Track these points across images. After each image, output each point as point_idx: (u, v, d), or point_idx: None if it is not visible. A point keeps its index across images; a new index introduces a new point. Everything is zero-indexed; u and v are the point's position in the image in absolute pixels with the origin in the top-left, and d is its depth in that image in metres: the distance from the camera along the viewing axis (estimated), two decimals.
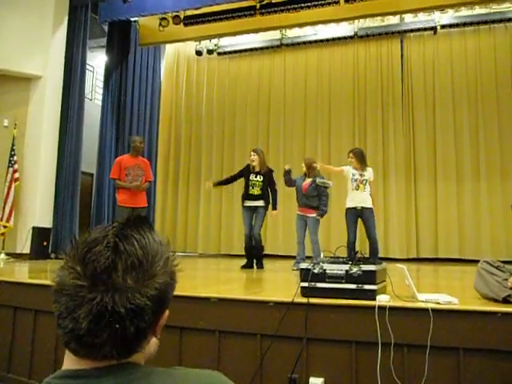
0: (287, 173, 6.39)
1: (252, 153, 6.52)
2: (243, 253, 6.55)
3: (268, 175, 6.40)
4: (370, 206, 5.96)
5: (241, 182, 6.65)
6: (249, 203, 6.35)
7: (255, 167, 6.41)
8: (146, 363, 0.84)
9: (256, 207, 6.30)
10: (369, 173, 6.07)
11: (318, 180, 6.16)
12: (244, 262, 6.38)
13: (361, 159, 6.06)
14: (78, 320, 0.73)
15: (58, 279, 0.77)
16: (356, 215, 5.97)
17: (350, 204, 6.01)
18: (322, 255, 5.97)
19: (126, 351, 0.77)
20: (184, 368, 0.85)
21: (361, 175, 6.00)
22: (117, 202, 6.36)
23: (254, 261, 6.34)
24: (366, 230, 6.01)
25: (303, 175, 6.43)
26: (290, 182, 6.43)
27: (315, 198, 6.21)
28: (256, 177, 6.37)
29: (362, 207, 5.93)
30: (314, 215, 6.19)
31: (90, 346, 0.74)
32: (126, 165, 6.25)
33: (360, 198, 5.95)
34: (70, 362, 0.78)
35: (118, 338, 0.74)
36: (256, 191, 6.32)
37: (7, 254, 7.48)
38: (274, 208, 6.46)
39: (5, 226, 7.65)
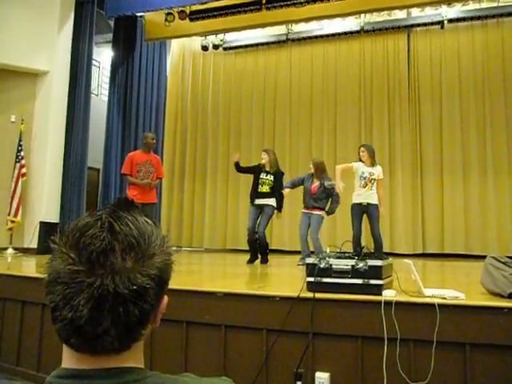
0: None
1: (263, 153, 6.56)
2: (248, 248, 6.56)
3: (278, 176, 6.42)
4: (376, 202, 5.98)
5: (248, 178, 6.62)
6: (258, 201, 6.33)
7: (266, 166, 6.42)
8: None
9: (264, 205, 6.29)
10: (377, 171, 6.08)
11: (327, 183, 6.18)
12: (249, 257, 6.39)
13: (372, 154, 6.09)
14: (77, 308, 0.69)
15: (50, 269, 0.73)
16: (361, 211, 6.00)
17: (356, 200, 6.03)
18: (327, 250, 5.97)
19: (128, 339, 0.73)
20: (194, 376, 0.82)
21: (370, 173, 5.99)
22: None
23: (259, 255, 6.34)
24: (370, 226, 6.04)
25: (310, 175, 6.42)
26: (293, 184, 6.51)
27: (323, 200, 6.25)
28: (267, 176, 6.37)
29: (368, 203, 5.95)
30: (319, 213, 6.22)
31: (91, 337, 0.70)
32: (138, 161, 6.29)
33: (366, 195, 5.97)
34: (70, 361, 0.74)
35: (121, 323, 0.70)
36: (265, 189, 6.32)
37: (15, 249, 7.53)
38: (279, 210, 6.43)
39: (12, 221, 7.72)
